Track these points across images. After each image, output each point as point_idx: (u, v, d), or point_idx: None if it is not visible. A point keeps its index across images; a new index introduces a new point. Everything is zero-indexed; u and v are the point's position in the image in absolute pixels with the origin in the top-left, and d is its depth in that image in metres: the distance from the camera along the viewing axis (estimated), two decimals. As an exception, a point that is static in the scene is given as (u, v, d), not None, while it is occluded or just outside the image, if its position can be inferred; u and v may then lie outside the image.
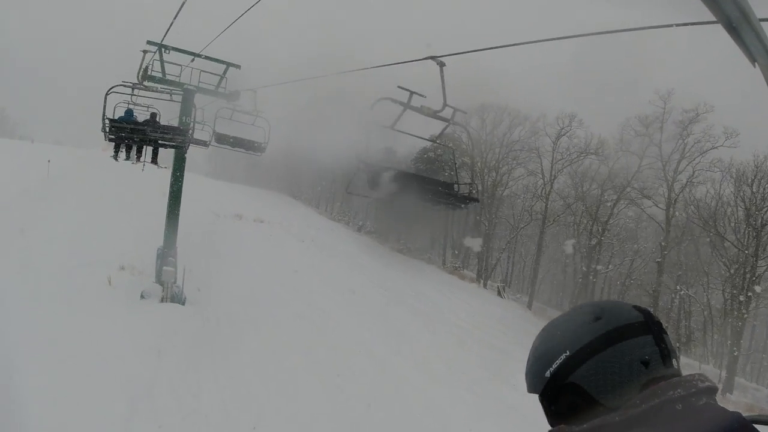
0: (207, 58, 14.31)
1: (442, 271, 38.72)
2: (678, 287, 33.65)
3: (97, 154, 37.75)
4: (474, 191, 5.32)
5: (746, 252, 29.75)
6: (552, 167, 36.82)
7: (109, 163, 19.08)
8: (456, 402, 13.16)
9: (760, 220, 29.62)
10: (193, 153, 15.63)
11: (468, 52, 4.06)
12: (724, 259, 31.60)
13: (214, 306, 14.50)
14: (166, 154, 16.70)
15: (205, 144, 15.14)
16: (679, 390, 0.99)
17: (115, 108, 13.49)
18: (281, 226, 32.35)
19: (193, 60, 14.09)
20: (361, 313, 18.65)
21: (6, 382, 8.81)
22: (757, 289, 28.66)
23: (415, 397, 12.76)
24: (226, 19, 8.64)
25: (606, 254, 39.00)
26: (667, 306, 34.22)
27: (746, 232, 30.58)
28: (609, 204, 36.48)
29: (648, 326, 1.09)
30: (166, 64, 14.10)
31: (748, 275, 29.21)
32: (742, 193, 30.79)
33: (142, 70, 13.83)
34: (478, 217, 39.66)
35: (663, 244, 32.13)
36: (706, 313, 35.73)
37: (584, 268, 37.80)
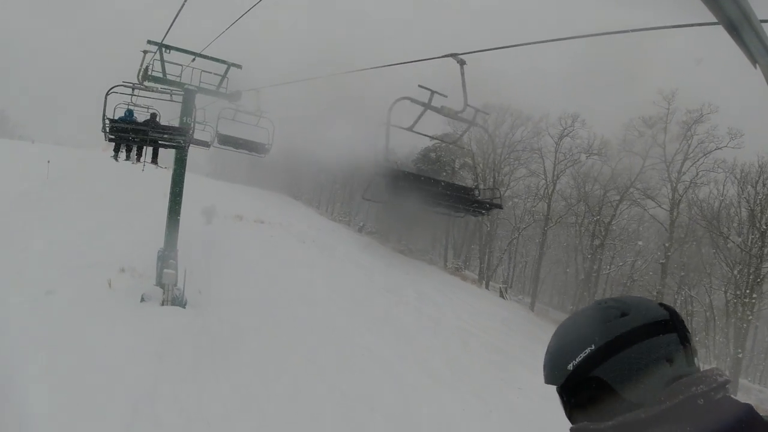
0: (208, 57, 14.18)
1: (444, 272, 38.56)
2: (680, 288, 33.49)
3: (97, 154, 37.60)
4: (497, 196, 5.13)
5: (750, 253, 29.59)
6: (554, 168, 36.67)
7: (110, 163, 18.93)
8: (461, 406, 12.98)
9: (764, 221, 29.46)
10: (193, 153, 15.49)
11: (488, 50, 3.92)
12: (727, 260, 31.46)
13: (215, 309, 14.32)
14: (167, 155, 16.57)
15: (206, 145, 14.99)
16: (701, 386, 1.01)
17: (115, 109, 13.37)
18: (282, 227, 32.20)
19: (193, 60, 13.96)
20: (363, 315, 18.49)
21: (5, 385, 8.67)
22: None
23: (419, 401, 12.58)
24: (228, 19, 8.52)
25: (608, 255, 38.88)
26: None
27: (750, 233, 30.44)
28: (612, 205, 36.31)
29: (674, 324, 1.11)
30: (166, 64, 13.98)
31: (752, 276, 29.05)
32: (746, 194, 30.64)
33: (142, 70, 13.70)
34: (479, 218, 39.45)
35: (667, 245, 31.96)
36: (708, 314, 35.62)
37: (587, 269, 37.64)
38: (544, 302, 45.13)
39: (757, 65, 1.46)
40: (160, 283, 13.62)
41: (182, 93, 14.46)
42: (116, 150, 15.04)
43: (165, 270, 13.23)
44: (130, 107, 14.38)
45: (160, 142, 13.20)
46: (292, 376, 11.77)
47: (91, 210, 21.42)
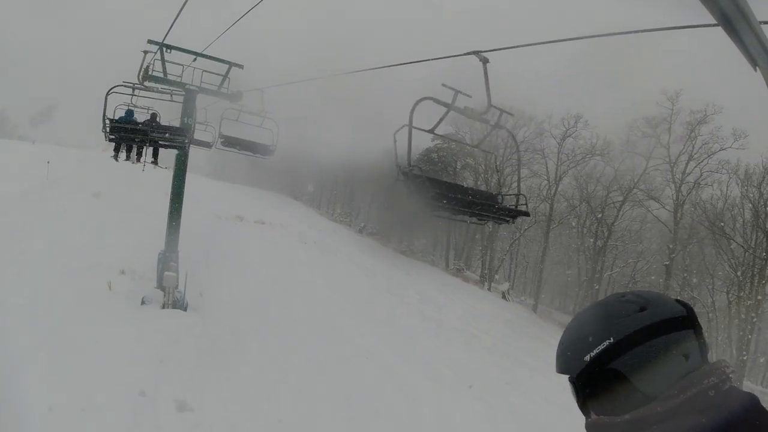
0: (209, 57, 14.06)
1: (446, 273, 38.38)
2: (683, 289, 33.32)
3: (98, 154, 37.50)
4: (523, 203, 4.95)
5: (755, 254, 29.42)
6: (557, 168, 36.51)
7: (110, 163, 18.80)
8: (466, 411, 12.81)
9: (769, 222, 29.33)
10: (193, 154, 15.34)
11: (513, 47, 3.77)
12: (731, 261, 31.29)
13: (216, 312, 14.15)
14: (168, 156, 16.42)
15: (208, 145, 14.86)
16: (712, 378, 1.04)
17: (115, 109, 13.26)
18: (283, 228, 32.04)
19: (195, 60, 13.85)
20: (366, 317, 18.33)
21: (5, 386, 8.54)
22: None
23: (424, 405, 12.41)
24: (229, 18, 8.39)
25: (610, 256, 38.73)
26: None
27: (754, 234, 30.28)
28: (615, 206, 36.12)
29: (690, 321, 1.14)
30: (167, 63, 13.87)
31: (756, 278, 28.88)
32: (750, 195, 30.48)
33: (142, 70, 13.58)
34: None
35: (671, 246, 31.78)
36: (710, 315, 35.45)
37: (589, 271, 37.47)
38: (546, 303, 44.95)
39: (758, 68, 1.47)
40: (160, 286, 13.45)
41: (183, 93, 14.33)
42: (116, 150, 14.92)
43: (166, 272, 13.06)
44: (131, 107, 14.24)
45: (160, 142, 13.07)
46: (294, 379, 11.60)
47: (91, 210, 21.25)
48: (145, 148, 14.47)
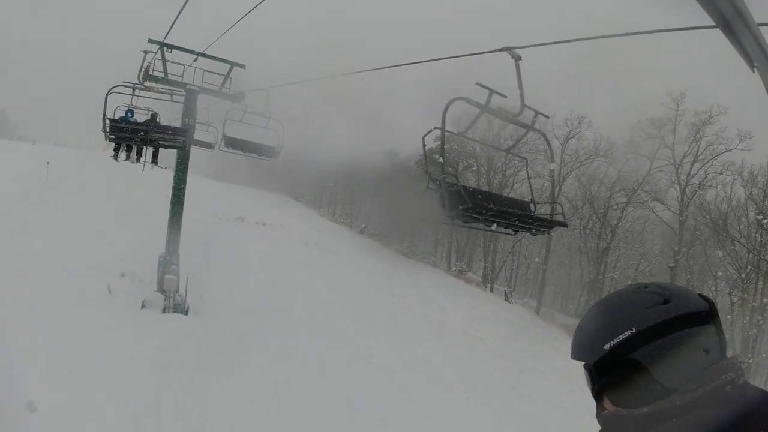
0: (211, 57, 13.88)
1: (448, 274, 38.16)
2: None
3: (98, 154, 37.36)
4: (559, 212, 4.72)
5: (760, 256, 29.20)
6: (560, 169, 36.27)
7: (110, 164, 18.61)
8: (472, 416, 12.60)
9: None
10: (193, 154, 15.15)
11: (546, 44, 3.56)
12: (734, 263, 31.08)
13: (218, 315, 13.95)
14: (168, 156, 16.24)
15: (210, 146, 14.68)
16: (729, 373, 1.05)
17: (115, 110, 13.08)
18: (283, 229, 31.84)
19: (196, 59, 13.67)
20: (369, 320, 18.12)
21: (5, 395, 8.36)
22: None
23: (429, 411, 12.20)
24: (230, 18, 8.23)
25: (612, 257, 38.52)
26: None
27: (758, 235, 30.07)
28: (618, 207, 35.89)
29: (712, 316, 1.12)
30: (168, 63, 13.69)
31: (762, 280, 28.67)
32: (754, 197, 30.26)
33: (143, 69, 13.40)
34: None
35: (676, 248, 31.55)
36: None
37: (592, 272, 37.24)
38: (547, 305, 44.76)
39: (756, 69, 1.48)
40: (161, 289, 13.24)
41: (184, 94, 14.15)
42: (116, 150, 14.74)
43: (166, 276, 12.85)
44: (131, 108, 14.06)
45: (160, 142, 12.88)
46: (297, 384, 11.39)
47: (91, 211, 21.07)
48: (145, 148, 14.27)
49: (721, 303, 34.56)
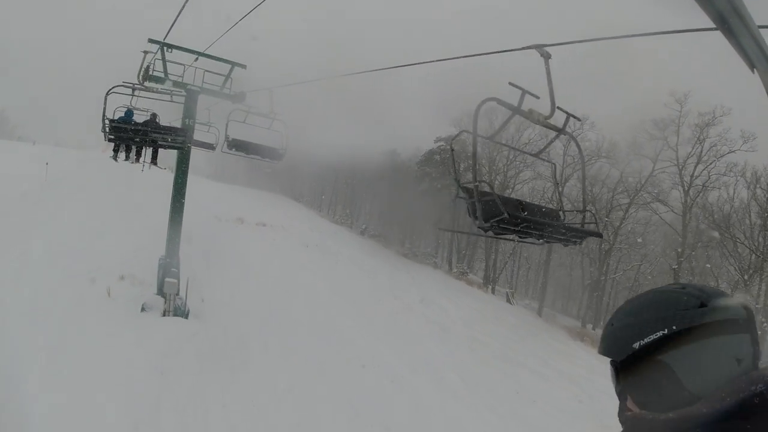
0: (211, 57, 13.71)
1: (449, 276, 37.98)
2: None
3: (97, 155, 37.20)
4: (593, 221, 4.50)
5: (762, 258, 29.03)
6: (563, 170, 36.10)
7: (110, 165, 18.43)
8: (477, 422, 12.39)
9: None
10: (193, 155, 14.98)
11: (577, 42, 3.38)
12: (737, 265, 30.90)
13: (218, 319, 13.76)
14: (168, 157, 16.07)
15: (211, 147, 14.50)
16: (760, 385, 1.00)
17: (114, 111, 12.90)
18: (284, 230, 31.69)
19: (196, 59, 13.50)
20: (372, 323, 17.93)
21: (5, 391, 8.23)
22: None
23: (434, 417, 12.00)
24: (232, 17, 8.11)
25: (614, 258, 38.33)
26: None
27: (761, 237, 29.91)
28: (621, 208, 35.68)
29: (749, 325, 1.08)
30: (168, 63, 13.52)
31: (764, 281, 28.49)
32: (757, 198, 30.08)
33: (143, 70, 13.22)
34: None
35: (679, 250, 31.35)
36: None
37: (594, 273, 37.06)
38: (548, 305, 44.61)
39: (756, 70, 1.47)
40: (161, 292, 13.04)
41: (184, 94, 13.98)
42: (116, 150, 14.58)
43: (167, 279, 12.65)
44: (130, 108, 13.89)
45: (159, 142, 12.71)
46: (298, 388, 11.21)
47: (90, 212, 20.89)
48: (144, 148, 14.10)
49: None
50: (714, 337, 1.05)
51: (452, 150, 4.14)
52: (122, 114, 13.58)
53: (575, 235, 4.08)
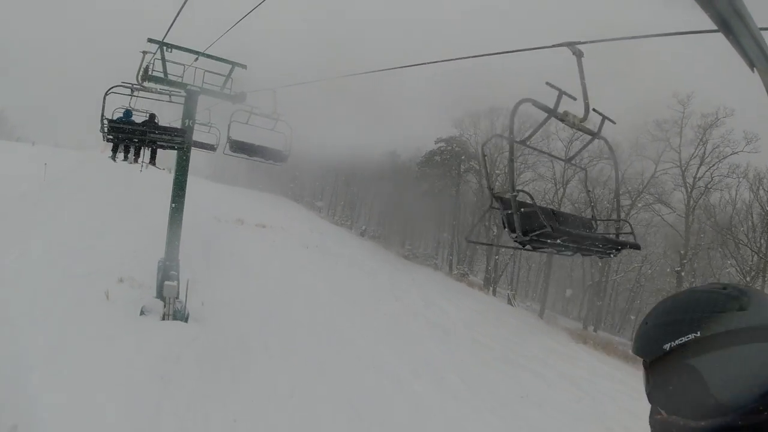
0: (211, 57, 13.56)
1: (450, 278, 37.85)
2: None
3: (96, 155, 37.08)
4: (630, 232, 4.32)
5: (766, 259, 28.89)
6: (564, 172, 35.95)
7: (109, 165, 18.29)
8: (478, 424, 12.21)
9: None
10: (193, 155, 14.82)
11: (611, 39, 3.23)
12: (738, 267, 30.75)
13: (218, 322, 13.59)
14: (167, 158, 15.92)
15: (212, 148, 14.35)
16: None
17: (113, 112, 12.76)
18: (284, 231, 31.56)
19: (196, 59, 13.34)
20: (374, 326, 17.77)
21: (5, 397, 8.08)
22: None
23: (435, 418, 11.83)
24: (232, 17, 8.00)
25: (615, 260, 38.17)
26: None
27: (763, 238, 29.77)
28: (623, 209, 35.50)
29: None
30: (168, 63, 13.36)
31: (768, 283, 28.37)
32: (760, 199, 29.94)
33: (142, 70, 13.06)
34: (486, 223, 38.75)
35: (682, 252, 31.19)
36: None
37: (595, 275, 36.92)
38: (548, 306, 44.50)
39: (755, 69, 1.47)
40: (160, 296, 12.87)
41: (183, 95, 13.83)
42: (114, 150, 14.44)
43: (166, 282, 12.48)
44: (129, 108, 13.74)
45: (158, 143, 12.56)
46: (302, 394, 11.03)
47: (89, 214, 20.75)
48: (143, 148, 13.95)
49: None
50: (750, 344, 0.97)
51: (484, 156, 3.94)
52: (121, 114, 13.45)
53: (612, 247, 3.89)
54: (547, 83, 3.40)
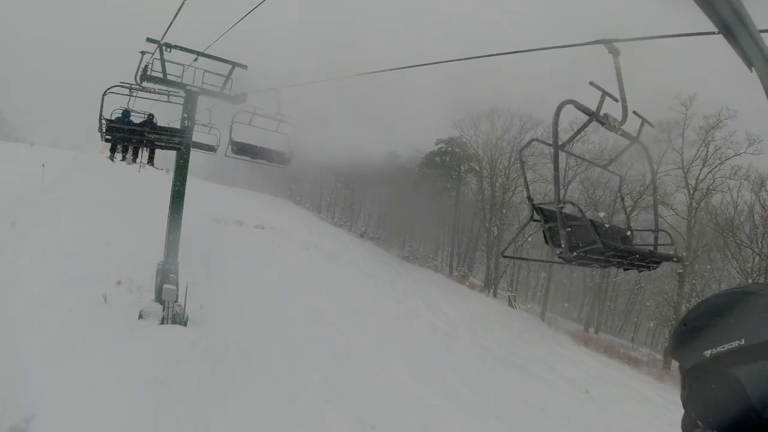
0: (211, 57, 13.38)
1: (451, 280, 37.68)
2: (690, 296, 32.65)
3: (95, 156, 36.91)
4: (671, 243, 4.11)
5: (766, 261, 28.79)
6: (565, 173, 35.78)
7: (107, 166, 18.09)
8: (484, 430, 12.03)
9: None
10: (192, 156, 14.63)
11: (646, 38, 3.03)
12: (740, 268, 30.63)
13: (218, 326, 13.37)
14: (166, 158, 15.74)
15: (212, 149, 14.16)
16: None
17: (112, 113, 12.57)
18: (283, 233, 31.36)
19: (196, 59, 13.17)
20: (376, 331, 17.55)
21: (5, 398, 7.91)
22: None
23: (440, 425, 11.63)
24: (232, 17, 7.88)
25: (616, 261, 38.00)
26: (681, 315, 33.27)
27: (765, 240, 29.65)
28: (624, 211, 35.30)
29: None
30: (167, 63, 13.17)
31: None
32: (761, 201, 29.83)
33: (140, 70, 12.88)
34: (487, 225, 38.59)
35: (685, 254, 31.04)
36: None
37: (597, 276, 36.78)
38: (549, 309, 44.37)
39: (753, 69, 1.48)
40: (159, 299, 12.65)
41: (183, 95, 13.64)
42: (112, 150, 14.26)
43: (165, 285, 12.26)
44: (127, 109, 13.56)
45: (156, 143, 12.38)
46: (305, 402, 10.81)
47: (87, 215, 20.57)
48: (141, 149, 13.77)
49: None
50: None
51: (522, 162, 3.69)
52: (119, 114, 13.27)
53: (654, 260, 3.68)
54: (591, 83, 3.18)
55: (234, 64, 13.76)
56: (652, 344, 39.91)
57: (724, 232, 30.77)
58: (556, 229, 3.16)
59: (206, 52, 12.83)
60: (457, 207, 43.87)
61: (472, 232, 44.32)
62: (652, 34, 3.24)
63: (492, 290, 38.28)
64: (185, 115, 13.69)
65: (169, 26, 8.71)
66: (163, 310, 12.24)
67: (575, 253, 3.05)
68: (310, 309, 17.80)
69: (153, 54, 13.00)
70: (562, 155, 3.45)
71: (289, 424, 9.88)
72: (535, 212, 3.47)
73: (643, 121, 3.43)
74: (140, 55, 13.08)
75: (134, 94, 12.85)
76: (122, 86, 12.52)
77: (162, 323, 12.14)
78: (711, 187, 31.03)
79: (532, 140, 4.31)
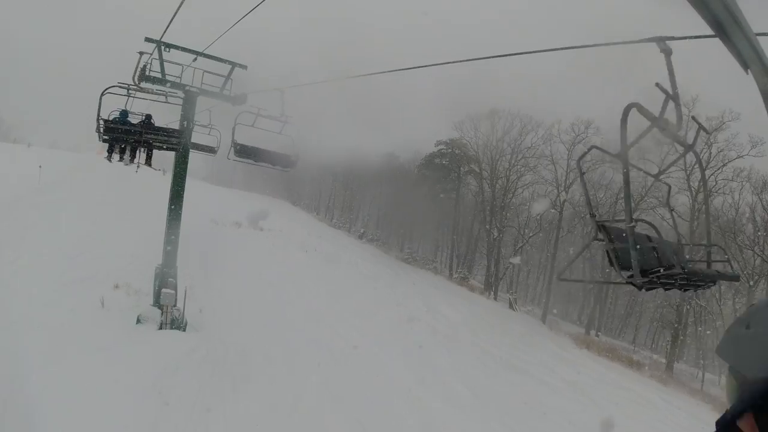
0: (211, 57, 13.20)
1: (451, 282, 37.49)
2: (691, 298, 32.53)
3: (93, 156, 36.66)
4: (727, 259, 3.91)
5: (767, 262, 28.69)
6: (566, 175, 35.63)
7: (104, 168, 17.90)
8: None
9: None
10: (191, 157, 14.43)
11: (695, 37, 2.85)
12: (742, 269, 30.48)
13: (217, 330, 13.18)
14: (165, 159, 15.55)
15: (212, 151, 13.98)
16: None
17: (110, 113, 12.40)
18: (282, 234, 31.14)
19: (195, 59, 12.98)
20: (375, 333, 17.37)
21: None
22: None
23: (441, 428, 11.44)
24: (232, 17, 7.75)
25: (616, 263, 37.85)
26: (683, 318, 33.13)
27: (766, 241, 29.56)
28: (623, 213, 35.19)
29: None
30: (166, 63, 12.97)
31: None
32: (762, 202, 29.73)
33: (138, 70, 12.69)
34: (487, 227, 38.43)
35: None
36: (718, 323, 34.74)
37: (600, 280, 36.62)
38: (549, 312, 44.21)
39: (749, 70, 1.49)
40: (157, 303, 12.44)
41: (181, 96, 13.44)
42: (110, 151, 14.09)
43: (164, 290, 12.06)
44: (125, 109, 13.37)
45: (154, 143, 12.21)
46: (306, 405, 10.63)
47: (84, 217, 20.35)
48: (139, 149, 13.59)
49: (726, 309, 34.10)
50: None
51: (582, 173, 3.43)
52: (117, 115, 13.09)
53: (712, 280, 3.48)
54: (657, 84, 2.97)
55: (234, 65, 13.58)
56: (653, 346, 39.77)
57: (726, 234, 30.64)
58: (624, 251, 2.88)
59: (206, 51, 12.66)
60: (456, 209, 43.69)
61: (471, 233, 44.12)
62: (652, 35, 3.05)
63: (492, 292, 38.09)
64: (183, 116, 13.49)
65: (168, 25, 8.54)
66: (162, 315, 12.05)
67: (648, 278, 2.79)
68: (310, 311, 17.62)
69: (151, 54, 12.81)
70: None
71: (289, 427, 9.70)
72: (600, 232, 3.17)
73: (700, 127, 3.23)
74: (138, 55, 12.91)
75: (132, 94, 12.67)
76: (120, 87, 12.35)
77: (160, 328, 11.95)
78: (713, 189, 30.89)
79: (592, 147, 3.96)
